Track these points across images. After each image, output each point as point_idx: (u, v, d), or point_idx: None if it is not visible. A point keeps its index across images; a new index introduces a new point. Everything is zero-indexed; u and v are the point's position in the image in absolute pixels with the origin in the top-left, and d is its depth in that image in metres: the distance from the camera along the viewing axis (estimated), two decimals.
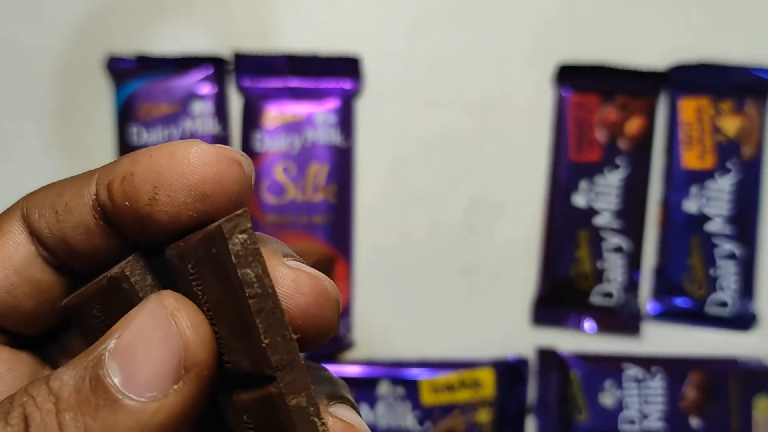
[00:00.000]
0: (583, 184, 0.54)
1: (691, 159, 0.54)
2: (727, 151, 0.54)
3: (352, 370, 0.53)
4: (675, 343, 0.55)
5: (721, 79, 0.54)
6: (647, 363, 0.54)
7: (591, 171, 0.54)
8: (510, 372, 0.54)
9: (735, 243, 0.54)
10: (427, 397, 0.53)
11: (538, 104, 0.55)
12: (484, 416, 0.53)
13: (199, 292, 0.17)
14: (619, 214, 0.54)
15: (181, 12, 0.54)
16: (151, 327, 0.16)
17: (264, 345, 0.16)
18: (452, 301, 0.55)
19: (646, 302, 0.55)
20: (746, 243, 0.54)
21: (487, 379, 0.54)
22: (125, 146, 0.53)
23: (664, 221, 0.55)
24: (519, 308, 0.55)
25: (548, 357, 0.54)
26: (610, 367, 0.54)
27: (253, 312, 0.16)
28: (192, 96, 0.53)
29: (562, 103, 0.54)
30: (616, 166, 0.54)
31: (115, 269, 0.18)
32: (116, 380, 0.16)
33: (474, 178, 0.55)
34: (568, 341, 0.55)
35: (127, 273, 0.18)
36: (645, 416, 0.54)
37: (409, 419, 0.53)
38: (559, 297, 0.55)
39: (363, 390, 0.53)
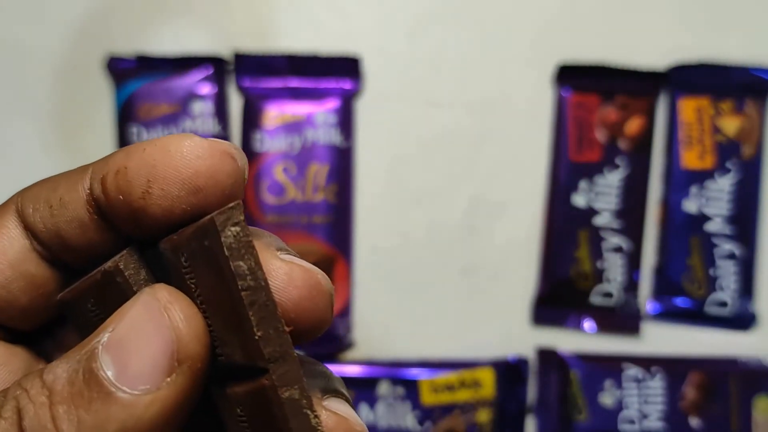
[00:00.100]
0: (583, 184, 0.54)
1: (691, 159, 0.54)
2: (727, 151, 0.54)
3: (352, 370, 0.53)
4: (675, 343, 0.55)
5: (721, 79, 0.54)
6: (647, 363, 0.54)
7: (591, 171, 0.54)
8: (510, 372, 0.54)
9: (735, 243, 0.54)
10: (427, 397, 0.53)
11: (538, 104, 0.55)
12: (484, 416, 0.53)
13: (193, 285, 0.17)
14: (619, 214, 0.54)
15: (181, 12, 0.54)
16: (144, 320, 0.16)
17: (257, 337, 0.16)
18: (452, 301, 0.55)
19: (646, 302, 0.55)
20: (746, 243, 0.54)
21: (487, 379, 0.54)
22: (125, 146, 0.53)
23: (664, 221, 0.54)
24: (519, 308, 0.55)
25: (548, 357, 0.54)
26: (610, 367, 0.54)
27: (246, 304, 0.16)
28: (192, 96, 0.53)
29: (562, 103, 0.54)
30: (616, 166, 0.54)
31: (109, 263, 0.18)
32: (109, 373, 0.16)
33: (474, 178, 0.55)
34: (568, 341, 0.55)
35: (121, 267, 0.18)
36: (645, 416, 0.54)
37: (409, 419, 0.53)
38: (559, 297, 0.55)
39: (363, 390, 0.53)
